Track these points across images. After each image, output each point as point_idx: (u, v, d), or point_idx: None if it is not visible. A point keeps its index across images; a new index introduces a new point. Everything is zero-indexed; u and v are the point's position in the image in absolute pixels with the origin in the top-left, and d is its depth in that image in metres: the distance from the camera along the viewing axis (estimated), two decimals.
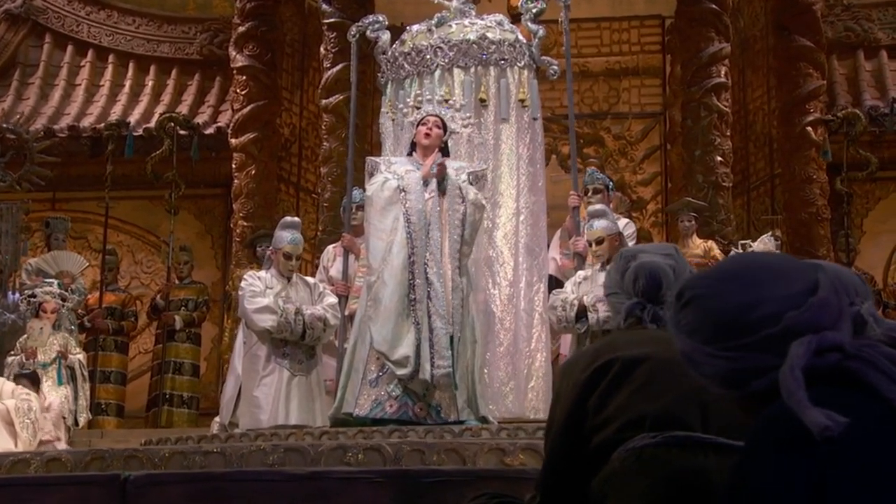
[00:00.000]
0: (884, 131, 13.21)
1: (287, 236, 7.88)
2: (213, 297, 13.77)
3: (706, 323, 1.77)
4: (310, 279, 8.17)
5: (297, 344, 7.66)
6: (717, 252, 11.69)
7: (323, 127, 13.40)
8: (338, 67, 13.03)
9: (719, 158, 12.71)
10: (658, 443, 2.32)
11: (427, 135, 7.28)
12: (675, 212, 11.97)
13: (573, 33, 8.67)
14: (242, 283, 7.77)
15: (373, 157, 7.59)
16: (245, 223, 13.35)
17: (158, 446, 5.94)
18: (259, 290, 7.68)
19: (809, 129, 13.04)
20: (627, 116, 15.04)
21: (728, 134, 12.91)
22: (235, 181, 13.56)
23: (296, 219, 8.29)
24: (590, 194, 8.98)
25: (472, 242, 7.06)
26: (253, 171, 13.53)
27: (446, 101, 7.65)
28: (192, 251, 13.66)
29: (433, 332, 6.68)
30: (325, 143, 13.26)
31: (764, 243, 4.46)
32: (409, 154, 7.40)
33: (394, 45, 8.32)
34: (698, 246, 11.73)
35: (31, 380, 9.72)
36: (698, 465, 2.29)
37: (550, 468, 2.49)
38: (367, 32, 8.34)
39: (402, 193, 6.98)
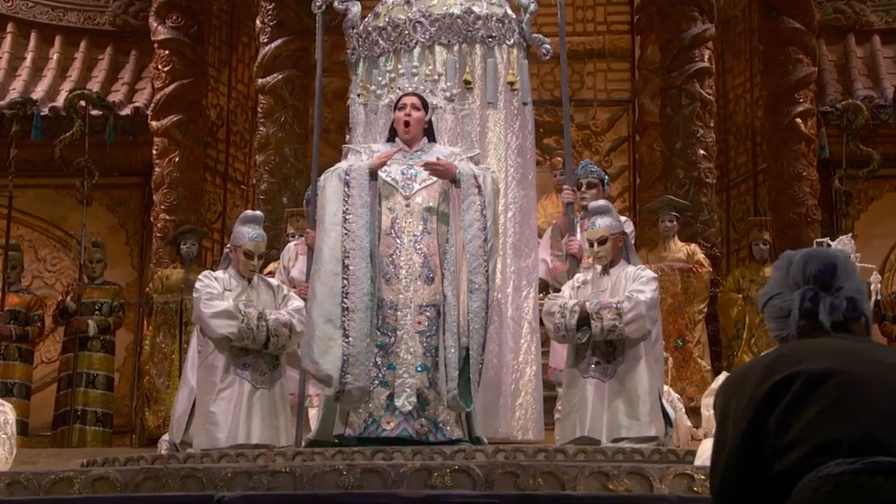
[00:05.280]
0: (877, 125, 13.30)
1: (248, 232, 7.75)
2: (129, 300, 13.56)
3: None
4: (273, 281, 8.05)
5: (259, 353, 7.53)
6: (700, 256, 11.73)
7: (259, 110, 13.25)
8: (276, 43, 12.95)
9: (702, 152, 12.72)
10: (858, 469, 2.28)
11: (406, 125, 7.20)
12: (655, 211, 11.99)
13: None
14: (198, 285, 7.63)
15: (351, 145, 7.50)
16: (167, 217, 13.18)
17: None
18: (217, 292, 7.55)
19: (799, 120, 13.10)
20: (592, 104, 15.03)
21: (711, 125, 12.93)
22: (157, 169, 13.38)
23: (257, 213, 8.18)
24: (583, 189, 8.95)
25: (497, 231, 7.05)
26: (176, 159, 13.36)
27: (434, 80, 7.57)
28: (105, 247, 13.43)
29: (446, 350, 6.66)
30: (260, 129, 13.12)
31: (843, 244, 4.47)
32: (391, 139, 7.32)
33: (366, 19, 8.22)
34: (680, 249, 11.75)
35: None
36: None
37: (723, 498, 2.45)
38: (335, 4, 8.25)
39: (346, 188, 6.92)
